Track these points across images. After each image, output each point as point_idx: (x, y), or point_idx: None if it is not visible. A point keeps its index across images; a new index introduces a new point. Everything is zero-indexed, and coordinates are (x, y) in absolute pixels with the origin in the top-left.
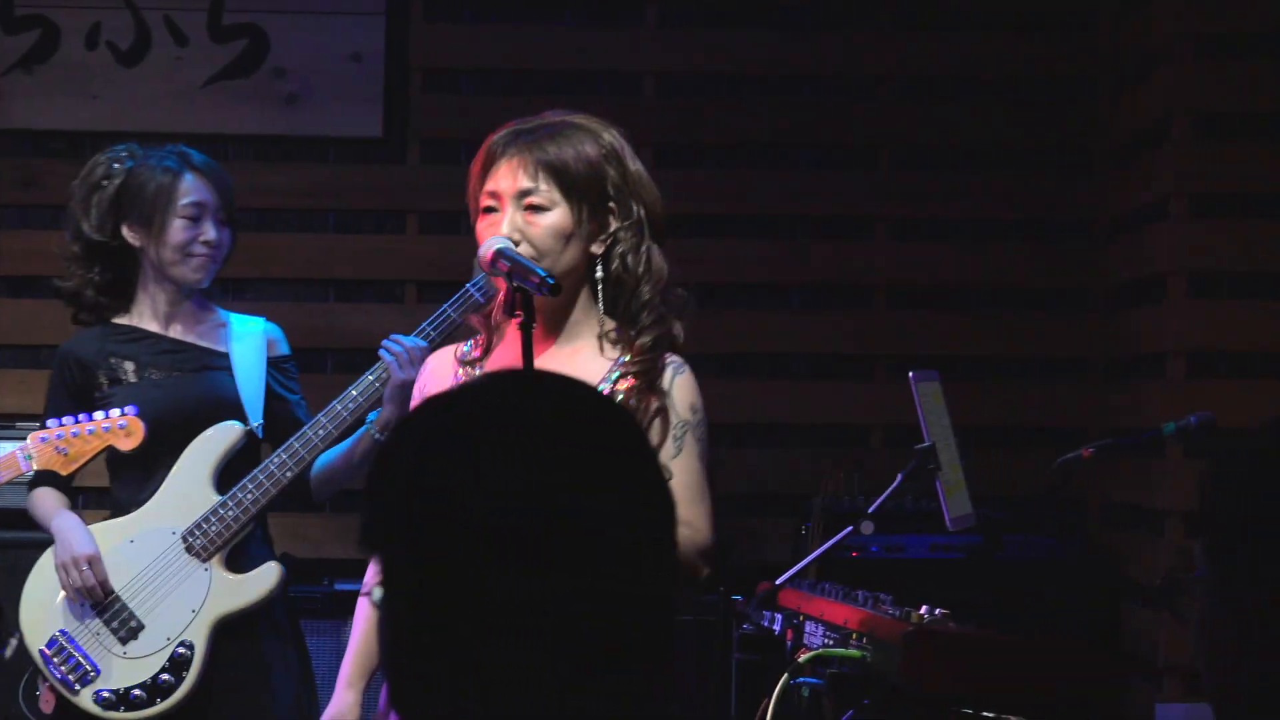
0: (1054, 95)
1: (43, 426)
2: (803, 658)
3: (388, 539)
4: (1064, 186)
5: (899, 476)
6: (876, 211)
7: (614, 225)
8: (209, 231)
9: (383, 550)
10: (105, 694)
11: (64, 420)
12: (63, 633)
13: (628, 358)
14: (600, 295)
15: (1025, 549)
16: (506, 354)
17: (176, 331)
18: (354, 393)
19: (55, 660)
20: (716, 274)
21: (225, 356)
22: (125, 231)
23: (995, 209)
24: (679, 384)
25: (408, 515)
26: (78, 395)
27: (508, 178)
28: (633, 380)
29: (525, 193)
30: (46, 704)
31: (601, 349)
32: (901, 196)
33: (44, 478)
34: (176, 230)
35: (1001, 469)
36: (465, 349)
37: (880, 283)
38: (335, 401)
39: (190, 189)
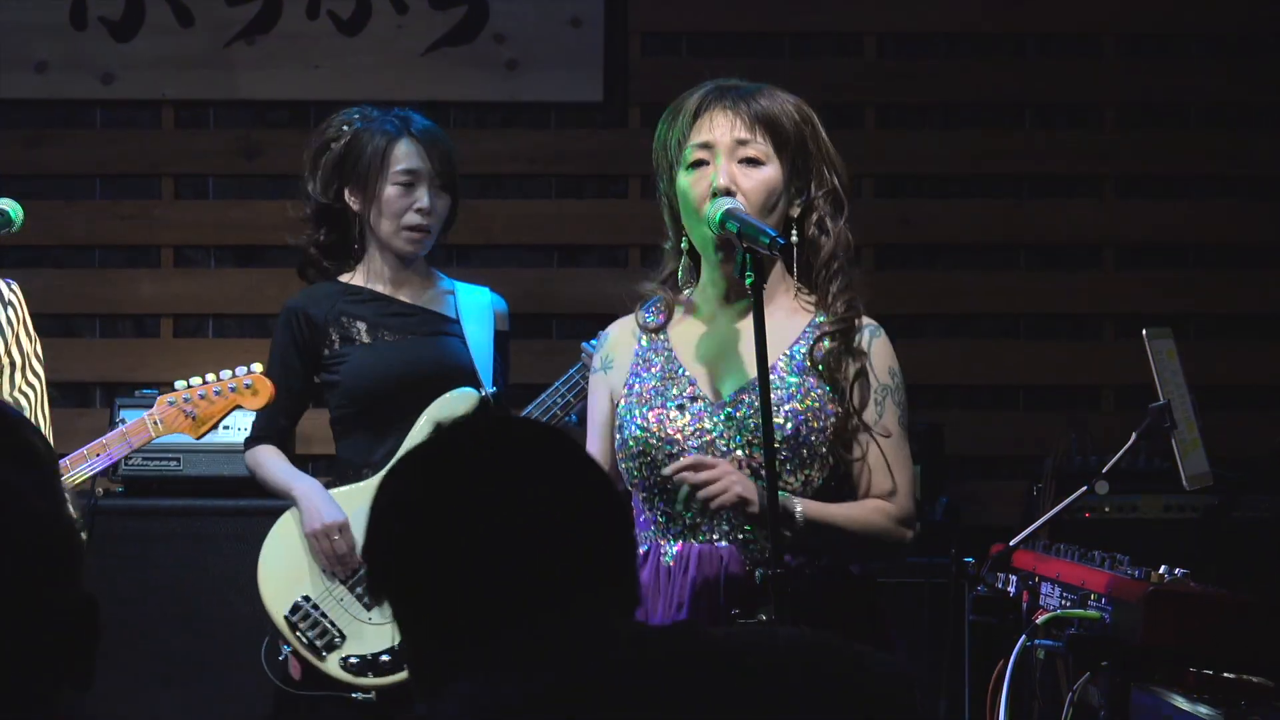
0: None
1: (170, 390)
2: (1040, 619)
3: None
4: None
5: (1133, 435)
6: (1102, 170)
7: (813, 190)
8: (423, 199)
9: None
10: (353, 659)
11: (191, 382)
12: (306, 599)
13: (823, 318)
14: (794, 258)
15: (1260, 508)
16: (691, 320)
17: (405, 295)
18: (563, 388)
19: (301, 626)
20: (944, 235)
21: (456, 323)
22: (347, 195)
23: (1223, 165)
24: (877, 347)
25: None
26: (305, 351)
27: (722, 128)
28: (833, 343)
29: (742, 142)
30: (295, 669)
31: (795, 310)
32: (1128, 154)
33: (260, 435)
34: (391, 197)
35: (1233, 429)
36: (647, 316)
37: (1108, 241)
38: (544, 394)
39: (404, 155)
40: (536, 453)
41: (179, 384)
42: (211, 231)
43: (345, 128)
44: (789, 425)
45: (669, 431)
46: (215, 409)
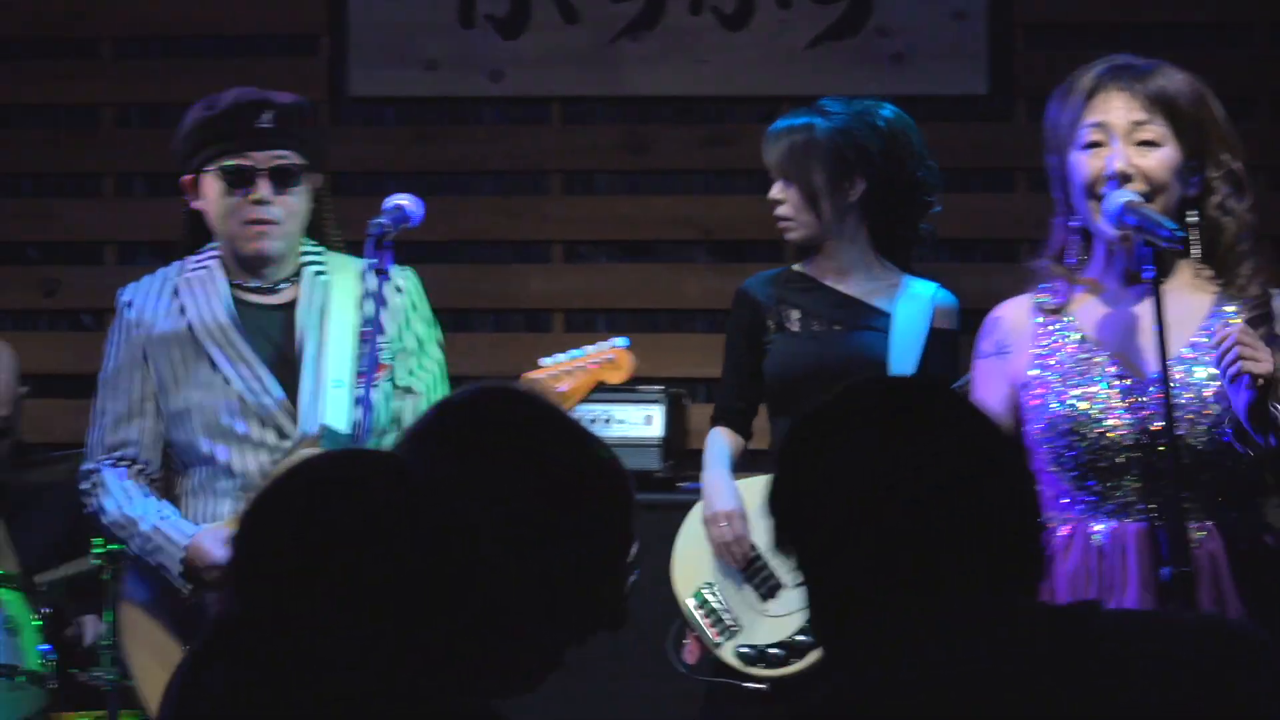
0: None
1: (538, 367)
2: None
3: None
4: None
5: None
6: None
7: (1210, 170)
8: None
9: None
10: (746, 649)
11: (558, 358)
12: (708, 586)
13: (1230, 302)
14: (1198, 240)
15: None
16: (1094, 300)
17: (849, 286)
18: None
19: (700, 613)
20: None
21: (886, 317)
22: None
23: None
24: None
25: None
26: (748, 334)
27: (1118, 110)
28: (1258, 328)
29: (1139, 124)
30: (691, 655)
31: (1197, 287)
32: None
33: (717, 415)
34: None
35: None
36: (1044, 296)
37: None
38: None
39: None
40: (950, 421)
41: (544, 361)
42: (600, 226)
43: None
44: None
45: (1100, 409)
46: (580, 384)
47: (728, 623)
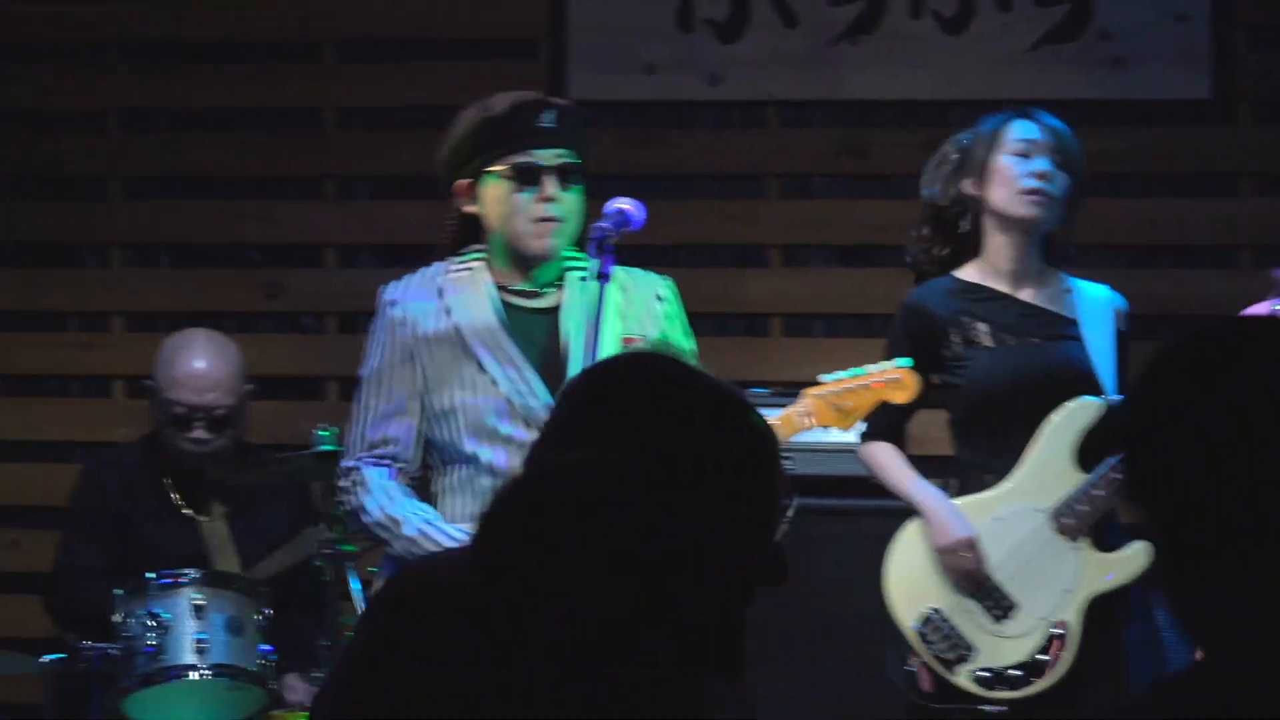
0: None
1: (817, 384)
2: None
3: None
4: None
5: None
6: None
7: None
8: (1039, 164)
9: None
10: (983, 673)
11: (840, 375)
12: (936, 611)
13: None
14: None
15: None
16: None
17: (1025, 294)
18: None
19: (931, 638)
20: None
21: (1074, 324)
22: (963, 186)
23: None
24: None
25: None
26: (919, 348)
27: None
28: None
29: None
30: (925, 681)
31: None
32: None
33: (875, 431)
34: (1005, 166)
35: None
36: None
37: None
38: None
39: (1019, 128)
40: None
41: (825, 377)
42: (818, 231)
43: (961, 139)
44: None
45: None
46: (863, 402)
47: (960, 648)
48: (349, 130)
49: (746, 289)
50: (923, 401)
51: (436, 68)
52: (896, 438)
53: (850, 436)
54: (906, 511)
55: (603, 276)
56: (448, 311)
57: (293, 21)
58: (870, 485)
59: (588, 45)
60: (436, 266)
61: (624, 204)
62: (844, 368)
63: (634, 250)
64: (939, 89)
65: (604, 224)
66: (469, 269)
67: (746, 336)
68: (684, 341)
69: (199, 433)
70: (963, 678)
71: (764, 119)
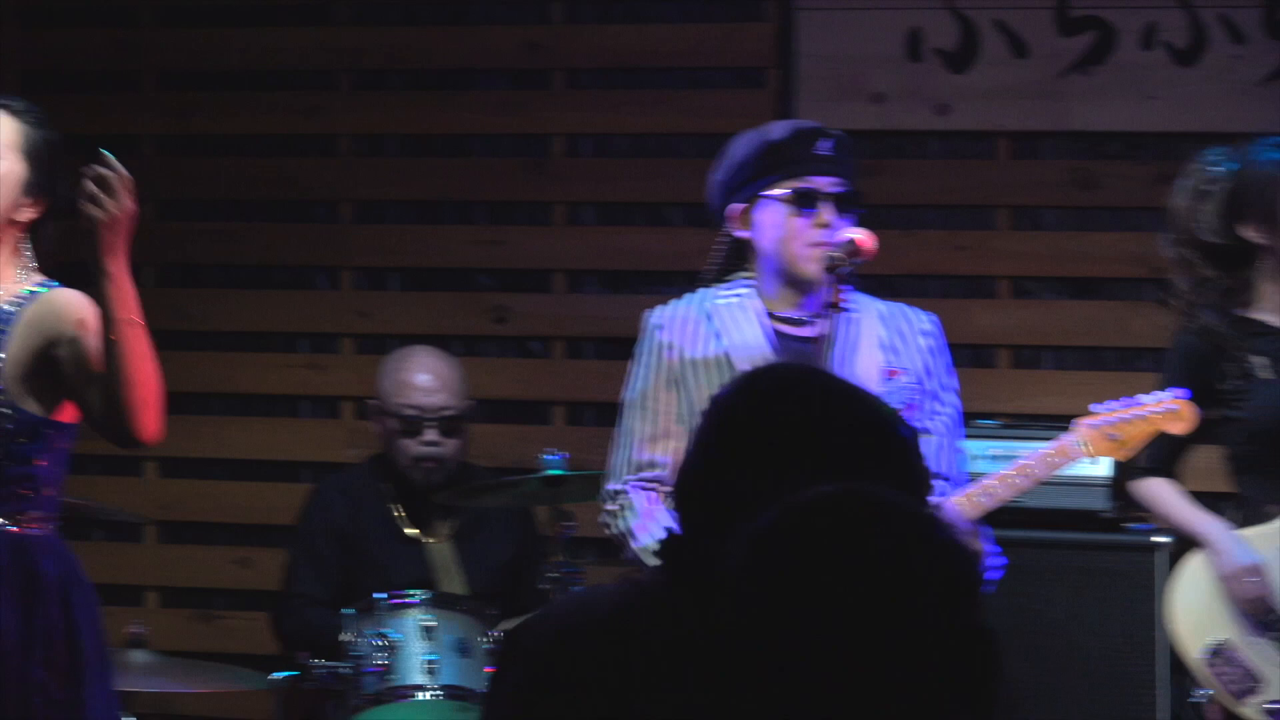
0: None
1: (1089, 414)
2: None
3: None
4: None
5: None
6: None
7: None
8: None
9: None
10: (1273, 705)
11: (1113, 405)
12: (1223, 642)
13: None
14: None
15: None
16: None
17: None
18: None
19: (1217, 669)
20: None
21: None
22: (1242, 230)
23: None
24: None
25: None
26: (1195, 379)
27: None
28: None
29: None
30: (1214, 713)
31: None
32: None
33: (1153, 467)
34: None
35: None
36: None
37: None
38: None
39: None
40: None
41: (1096, 407)
42: (1047, 262)
43: (1218, 169)
44: None
45: None
46: (1138, 432)
47: (1249, 679)
48: (576, 156)
49: (974, 320)
50: (1196, 436)
51: (664, 96)
52: (1173, 472)
53: (1088, 469)
54: (1139, 546)
55: (837, 306)
56: (717, 335)
57: (524, 49)
58: (1100, 520)
59: (816, 74)
60: (702, 292)
61: (855, 233)
62: (1072, 400)
63: (863, 279)
64: (1170, 120)
65: (834, 253)
66: (738, 294)
67: (974, 367)
68: (946, 379)
69: (431, 435)
70: (1250, 709)
71: (992, 150)
